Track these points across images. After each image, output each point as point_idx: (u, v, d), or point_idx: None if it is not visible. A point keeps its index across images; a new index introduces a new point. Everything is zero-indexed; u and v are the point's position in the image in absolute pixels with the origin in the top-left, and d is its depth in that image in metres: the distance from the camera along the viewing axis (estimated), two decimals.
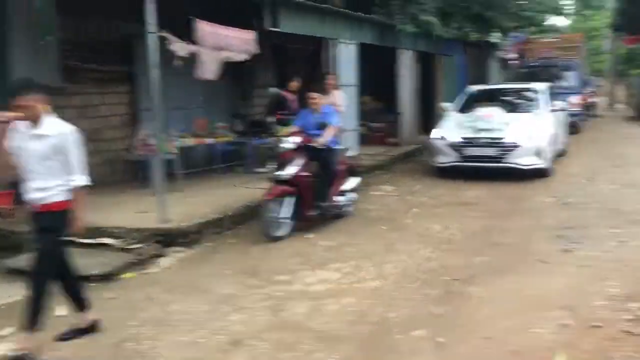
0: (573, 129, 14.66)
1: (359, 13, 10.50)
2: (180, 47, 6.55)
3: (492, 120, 9.53)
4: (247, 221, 7.20)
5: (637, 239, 5.74)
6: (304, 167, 6.55)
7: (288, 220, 6.44)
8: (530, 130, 9.34)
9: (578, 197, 7.90)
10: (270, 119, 9.40)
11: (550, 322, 3.95)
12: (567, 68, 17.18)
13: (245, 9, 8.26)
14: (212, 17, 7.26)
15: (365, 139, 13.47)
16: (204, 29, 6.84)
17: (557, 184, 9.01)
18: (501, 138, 9.25)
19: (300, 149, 6.56)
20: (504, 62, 23.60)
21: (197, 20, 6.75)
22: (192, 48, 6.65)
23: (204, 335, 4.09)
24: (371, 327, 4.16)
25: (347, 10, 10.17)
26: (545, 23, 24.10)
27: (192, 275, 5.39)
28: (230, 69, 10.69)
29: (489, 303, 4.44)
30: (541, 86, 11.20)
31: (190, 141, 8.75)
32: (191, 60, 6.95)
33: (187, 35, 6.81)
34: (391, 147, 13.08)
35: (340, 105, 9.09)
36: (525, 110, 10.34)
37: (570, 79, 16.61)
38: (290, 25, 8.42)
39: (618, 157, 11.25)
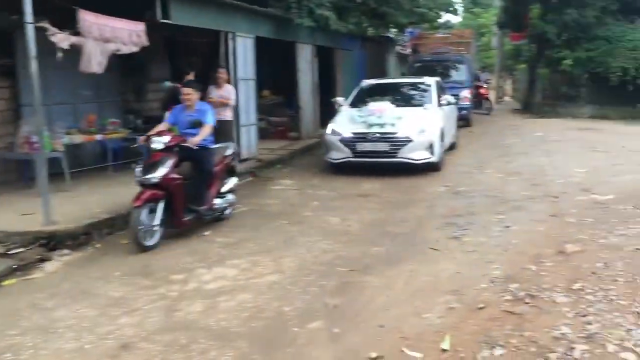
0: (464, 122, 15.41)
1: (255, 6, 10.40)
2: (61, 39, 6.15)
3: (384, 115, 9.42)
4: None
5: (518, 223, 6.10)
6: (174, 169, 5.99)
7: (158, 228, 5.90)
8: (421, 124, 9.36)
9: (468, 186, 8.30)
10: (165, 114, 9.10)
11: (439, 307, 4.10)
12: (458, 63, 17.69)
13: (136, 0, 7.92)
14: (100, 8, 6.90)
15: (265, 134, 13.45)
16: (88, 19, 6.48)
17: (449, 174, 9.42)
18: (393, 133, 9.19)
19: (171, 149, 6.01)
20: (401, 57, 24.40)
21: (81, 10, 6.37)
22: (75, 39, 6.27)
23: (91, 340, 3.88)
24: (267, 322, 4.12)
25: (243, 3, 10.03)
26: (438, 20, 25.18)
27: (80, 279, 5.10)
28: (122, 62, 10.28)
29: (383, 292, 4.54)
30: (431, 80, 11.29)
31: (78, 138, 8.28)
32: (77, 52, 6.57)
33: (71, 26, 6.42)
34: (292, 141, 13.13)
35: (230, 99, 9.08)
36: (416, 104, 10.39)
37: (461, 73, 17.19)
38: (182, 17, 8.17)
39: (504, 148, 11.95)
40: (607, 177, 8.30)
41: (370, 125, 9.32)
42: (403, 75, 18.92)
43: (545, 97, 21.57)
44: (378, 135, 9.21)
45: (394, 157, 9.17)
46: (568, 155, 10.53)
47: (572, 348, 3.18)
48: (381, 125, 9.27)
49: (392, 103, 9.95)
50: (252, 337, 3.88)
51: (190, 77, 8.50)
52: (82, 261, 5.62)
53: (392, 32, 21.43)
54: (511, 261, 4.92)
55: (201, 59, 11.15)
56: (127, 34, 7.13)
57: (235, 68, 9.89)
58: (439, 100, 10.58)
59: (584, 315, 3.55)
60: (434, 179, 8.99)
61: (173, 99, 8.73)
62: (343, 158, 9.47)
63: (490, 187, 8.11)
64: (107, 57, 6.81)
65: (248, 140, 10.41)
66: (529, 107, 21.99)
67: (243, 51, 10.12)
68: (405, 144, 9.11)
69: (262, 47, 11.98)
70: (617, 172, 8.55)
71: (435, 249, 5.51)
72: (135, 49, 7.29)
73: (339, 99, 11.17)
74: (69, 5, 6.47)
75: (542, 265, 4.67)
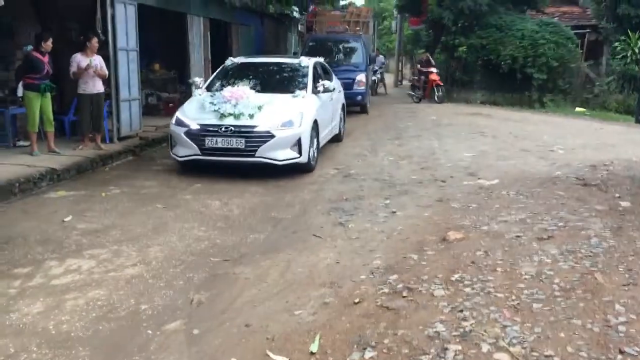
0: (361, 107, 14.97)
1: None
2: None
3: (241, 103, 7.59)
4: None
5: (404, 208, 5.92)
6: None
7: None
8: (287, 116, 7.67)
9: (359, 169, 8.09)
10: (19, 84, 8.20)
11: (312, 302, 3.77)
12: (354, 43, 16.25)
13: None
14: None
15: (154, 110, 12.63)
16: None
17: (342, 156, 9.18)
18: (250, 126, 7.43)
19: None
20: (303, 37, 23.99)
21: None
22: None
23: None
24: (117, 324, 3.62)
25: None
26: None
27: None
28: None
29: (255, 285, 4.15)
30: (308, 62, 9.48)
31: None
32: None
33: None
34: None
35: (101, 68, 8.42)
36: (286, 90, 8.57)
37: (357, 55, 15.80)
38: None
39: (398, 131, 11.91)
40: (493, 161, 8.38)
41: (223, 116, 7.49)
42: (294, 55, 16.73)
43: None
44: (232, 128, 7.39)
45: (251, 155, 7.41)
46: (458, 139, 10.63)
47: (446, 349, 2.94)
48: (236, 115, 7.48)
49: (257, 87, 8.41)
50: (95, 343, 3.37)
51: (49, 44, 7.68)
52: None
53: (294, 10, 20.91)
54: (393, 249, 4.68)
55: (79, 25, 10.15)
56: None
57: (114, 37, 9.03)
58: (314, 86, 8.86)
59: (461, 310, 3.33)
60: (325, 162, 8.70)
61: (31, 67, 7.88)
62: (189, 155, 7.60)
63: (380, 171, 7.94)
64: None
65: (129, 116, 9.59)
66: None
67: (124, 19, 9.25)
68: (266, 141, 7.38)
69: (153, 16, 11.15)
70: (503, 157, 8.67)
71: (317, 236, 5.18)
72: None
73: (197, 79, 9.14)
74: None
75: (423, 254, 4.46)
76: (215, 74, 9.52)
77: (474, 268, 4.02)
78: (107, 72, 8.67)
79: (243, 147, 7.38)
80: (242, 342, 3.34)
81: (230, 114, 7.49)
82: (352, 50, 15.97)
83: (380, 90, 22.02)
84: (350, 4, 27.48)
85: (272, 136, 7.41)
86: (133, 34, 9.62)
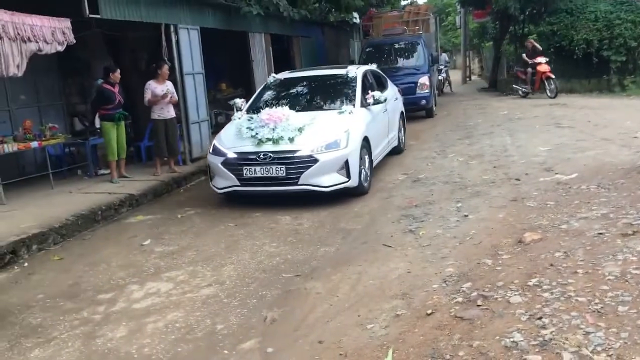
0: (426, 111, 14.34)
1: None
2: None
3: (280, 126, 6.91)
4: (81, 231, 6.51)
5: (477, 211, 5.74)
6: None
7: None
8: (332, 136, 6.85)
9: (428, 173, 7.93)
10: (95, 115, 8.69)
11: (384, 315, 3.71)
12: (414, 45, 15.20)
13: None
14: (18, 5, 6.35)
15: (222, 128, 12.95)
16: (2, 17, 5.93)
17: (411, 160, 9.05)
18: (291, 151, 6.71)
19: None
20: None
21: None
22: None
23: None
24: (195, 344, 3.71)
25: None
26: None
27: None
28: (63, 63, 9.71)
29: (326, 299, 4.14)
30: (356, 71, 8.45)
31: (11, 147, 7.70)
32: None
33: None
34: None
35: (172, 94, 8.75)
36: (333, 105, 7.84)
37: (417, 57, 14.90)
38: (114, 11, 7.61)
39: (468, 129, 11.61)
40: (571, 154, 7.98)
41: (261, 142, 6.82)
42: (351, 63, 15.87)
43: (512, 74, 21.36)
44: (271, 155, 6.71)
45: (293, 183, 6.68)
46: (532, 133, 10.22)
47: (524, 359, 2.82)
48: (275, 140, 6.78)
49: (300, 105, 7.77)
50: None
51: (116, 75, 8.05)
52: (3, 284, 5.12)
53: (353, 17, 20.86)
54: (466, 255, 4.54)
55: (148, 55, 10.61)
56: (50, 32, 6.60)
57: (180, 62, 9.35)
58: (364, 99, 7.96)
59: (539, 318, 3.17)
60: (394, 167, 8.60)
61: (101, 99, 8.29)
62: (228, 187, 6.99)
63: (450, 173, 7.74)
64: (27, 59, 6.26)
65: (199, 138, 9.89)
66: (495, 85, 21.76)
67: (188, 44, 9.57)
68: (309, 166, 6.62)
69: (217, 37, 11.47)
70: (582, 148, 8.25)
71: (388, 246, 5.12)
72: (60, 48, 6.77)
73: (238, 101, 8.32)
74: None
75: (498, 259, 4.30)
76: (256, 93, 8.76)
77: (553, 271, 3.84)
78: (177, 98, 8.99)
79: (284, 174, 6.65)
80: (316, 359, 3.33)
81: (268, 139, 6.82)
82: (412, 52, 15.15)
83: (446, 89, 21.47)
84: (412, 2, 27.01)
85: (315, 160, 6.63)
86: (198, 57, 9.93)
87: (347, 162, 6.77)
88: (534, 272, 3.87)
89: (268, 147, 6.77)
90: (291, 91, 8.46)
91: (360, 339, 3.46)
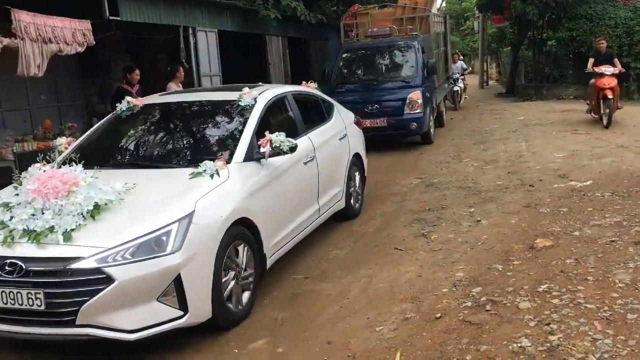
0: (421, 136, 10.87)
1: None
2: None
3: (58, 204, 3.63)
4: None
5: (489, 216, 5.74)
6: None
7: None
8: (151, 224, 3.56)
9: (442, 177, 7.92)
10: None
11: (393, 317, 3.74)
12: (405, 49, 11.34)
13: None
14: (40, 6, 6.48)
15: None
16: (24, 19, 6.05)
17: (426, 165, 9.05)
18: (62, 259, 3.41)
19: None
20: None
21: (14, 10, 5.95)
22: (7, 41, 5.84)
23: None
24: (205, 342, 3.76)
25: None
26: None
27: None
28: (84, 63, 9.89)
29: (336, 301, 4.18)
30: (260, 99, 4.98)
31: (31, 145, 7.84)
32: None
33: (3, 26, 6.02)
34: None
35: None
36: (193, 157, 4.53)
37: (408, 65, 11.10)
38: (133, 13, 7.75)
39: (483, 134, 11.56)
40: (586, 160, 7.93)
41: (10, 238, 3.55)
42: (323, 73, 11.91)
43: (529, 80, 21.19)
44: (21, 265, 3.41)
45: (65, 324, 3.38)
46: (548, 139, 10.16)
47: None
48: (36, 236, 3.50)
49: (135, 158, 4.87)
50: None
51: (135, 75, 8.13)
52: None
53: None
54: (477, 260, 4.56)
55: (167, 56, 10.75)
56: (71, 34, 6.70)
57: (197, 64, 9.46)
58: (252, 148, 4.51)
59: (548, 324, 3.18)
60: (408, 172, 8.60)
61: (119, 99, 8.40)
62: None
63: (464, 178, 7.74)
64: (48, 59, 6.38)
65: None
66: (513, 90, 21.63)
67: (205, 46, 9.69)
68: (96, 290, 3.32)
69: (236, 40, 11.57)
70: (597, 155, 8.19)
71: (399, 249, 5.14)
72: (80, 49, 6.87)
73: (59, 142, 5.01)
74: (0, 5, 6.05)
75: (509, 264, 4.31)
76: (92, 129, 5.39)
77: (563, 277, 3.84)
78: None
79: (43, 307, 3.37)
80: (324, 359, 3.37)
81: (26, 232, 3.54)
82: (403, 59, 11.34)
83: (463, 103, 18.32)
84: None
85: (108, 279, 3.32)
86: (215, 59, 10.05)
87: (178, 280, 3.48)
88: (544, 278, 3.88)
89: (22, 248, 3.49)
90: (139, 129, 5.21)
91: (369, 341, 3.50)
